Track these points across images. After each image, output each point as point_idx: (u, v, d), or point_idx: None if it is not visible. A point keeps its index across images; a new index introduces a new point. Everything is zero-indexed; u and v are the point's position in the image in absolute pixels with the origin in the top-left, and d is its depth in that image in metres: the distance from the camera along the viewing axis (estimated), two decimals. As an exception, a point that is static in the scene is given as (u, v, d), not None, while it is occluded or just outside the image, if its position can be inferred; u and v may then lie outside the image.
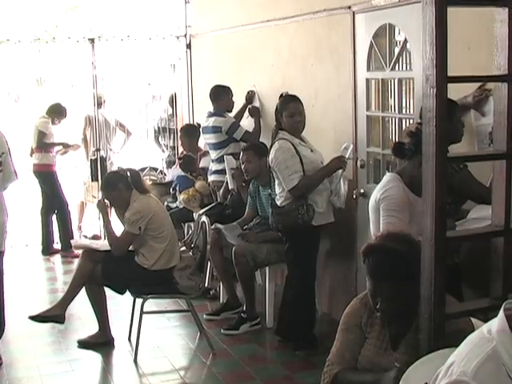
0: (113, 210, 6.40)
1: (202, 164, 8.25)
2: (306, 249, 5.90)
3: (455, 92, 4.60)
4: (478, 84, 4.63)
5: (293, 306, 5.93)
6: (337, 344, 3.28)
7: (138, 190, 6.03)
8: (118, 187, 6.00)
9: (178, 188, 8.17)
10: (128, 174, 6.13)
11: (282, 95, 6.17)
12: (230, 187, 7.40)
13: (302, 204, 5.75)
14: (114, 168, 9.03)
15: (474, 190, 4.43)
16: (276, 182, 5.94)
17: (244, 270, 6.36)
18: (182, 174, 8.26)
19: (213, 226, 6.41)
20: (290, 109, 5.87)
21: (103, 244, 6.30)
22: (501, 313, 1.83)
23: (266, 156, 6.48)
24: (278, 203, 5.87)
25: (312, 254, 5.95)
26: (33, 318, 6.01)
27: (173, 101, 10.08)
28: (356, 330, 3.23)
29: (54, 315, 5.93)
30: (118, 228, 6.17)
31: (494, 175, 3.02)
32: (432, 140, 2.71)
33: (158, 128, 10.17)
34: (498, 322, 1.83)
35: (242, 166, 6.68)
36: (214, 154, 7.73)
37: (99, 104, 9.68)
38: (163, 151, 10.16)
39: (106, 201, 6.22)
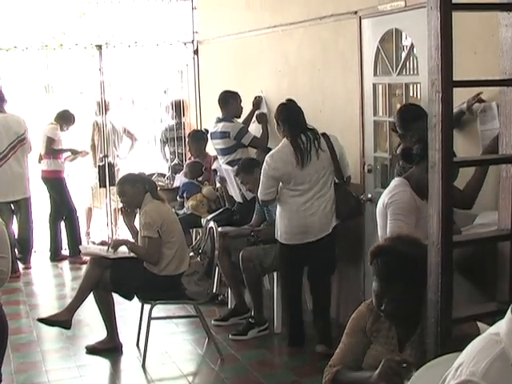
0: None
1: (214, 166, 8.26)
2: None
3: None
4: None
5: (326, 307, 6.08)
6: (341, 346, 3.30)
7: (152, 195, 6.07)
8: (137, 186, 6.06)
9: (185, 195, 8.19)
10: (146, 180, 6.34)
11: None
12: (237, 199, 7.46)
13: None
14: (121, 174, 9.04)
15: None
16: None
17: (251, 275, 6.36)
18: (187, 180, 8.29)
19: (220, 229, 6.40)
20: None
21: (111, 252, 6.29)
22: (508, 314, 1.84)
23: (257, 167, 6.47)
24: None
25: None
26: (41, 320, 6.04)
27: (180, 107, 10.09)
28: (360, 334, 3.24)
29: (61, 320, 5.94)
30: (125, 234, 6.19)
31: (501, 179, 3.02)
32: (438, 145, 2.71)
33: (166, 138, 10.17)
34: (505, 324, 1.83)
35: (244, 189, 6.87)
36: (222, 160, 7.73)
37: (105, 110, 9.70)
38: (167, 161, 10.16)
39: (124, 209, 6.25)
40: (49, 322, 6.01)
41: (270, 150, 6.93)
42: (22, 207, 8.78)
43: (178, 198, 8.38)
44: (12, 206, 8.72)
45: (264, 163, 5.92)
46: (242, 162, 6.90)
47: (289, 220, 5.95)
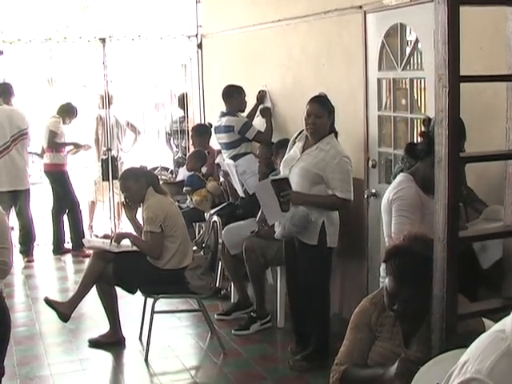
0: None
1: (217, 160, 8.23)
2: None
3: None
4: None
5: None
6: (346, 343, 3.26)
7: (154, 188, 6.07)
8: (140, 181, 6.05)
9: (190, 188, 8.09)
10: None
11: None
12: (240, 193, 7.38)
13: None
14: (125, 167, 9.02)
15: None
16: None
17: (254, 267, 6.33)
18: (190, 173, 8.26)
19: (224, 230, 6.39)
20: (306, 109, 5.59)
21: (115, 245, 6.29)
22: None
23: None
24: None
25: None
26: (47, 300, 5.99)
27: (184, 101, 10.08)
28: (365, 329, 3.20)
29: (61, 312, 5.92)
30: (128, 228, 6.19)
31: (507, 175, 3.01)
32: (444, 140, 2.70)
33: (171, 131, 10.16)
34: (511, 321, 1.82)
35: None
36: (226, 154, 7.72)
37: (108, 104, 9.69)
38: (174, 153, 10.15)
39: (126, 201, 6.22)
40: (52, 305, 5.95)
41: (274, 144, 6.92)
42: (21, 199, 8.90)
43: (184, 189, 8.23)
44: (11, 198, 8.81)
45: (344, 160, 5.41)
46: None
47: (338, 221, 5.66)
